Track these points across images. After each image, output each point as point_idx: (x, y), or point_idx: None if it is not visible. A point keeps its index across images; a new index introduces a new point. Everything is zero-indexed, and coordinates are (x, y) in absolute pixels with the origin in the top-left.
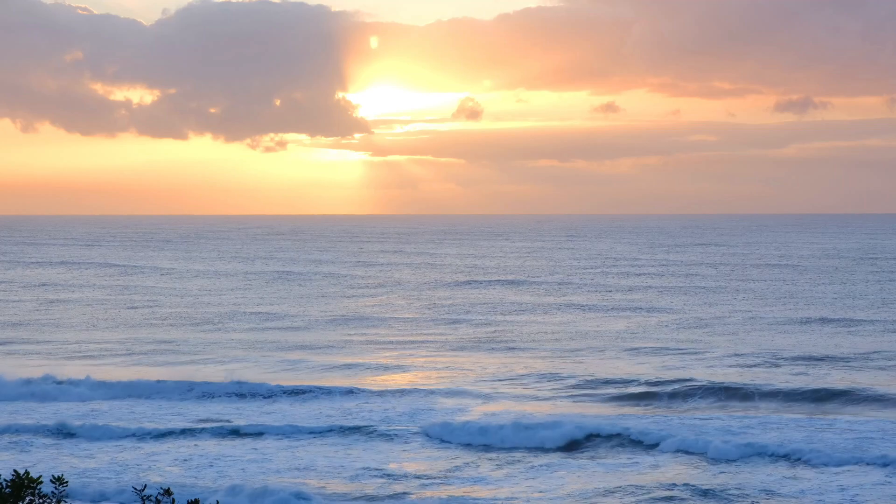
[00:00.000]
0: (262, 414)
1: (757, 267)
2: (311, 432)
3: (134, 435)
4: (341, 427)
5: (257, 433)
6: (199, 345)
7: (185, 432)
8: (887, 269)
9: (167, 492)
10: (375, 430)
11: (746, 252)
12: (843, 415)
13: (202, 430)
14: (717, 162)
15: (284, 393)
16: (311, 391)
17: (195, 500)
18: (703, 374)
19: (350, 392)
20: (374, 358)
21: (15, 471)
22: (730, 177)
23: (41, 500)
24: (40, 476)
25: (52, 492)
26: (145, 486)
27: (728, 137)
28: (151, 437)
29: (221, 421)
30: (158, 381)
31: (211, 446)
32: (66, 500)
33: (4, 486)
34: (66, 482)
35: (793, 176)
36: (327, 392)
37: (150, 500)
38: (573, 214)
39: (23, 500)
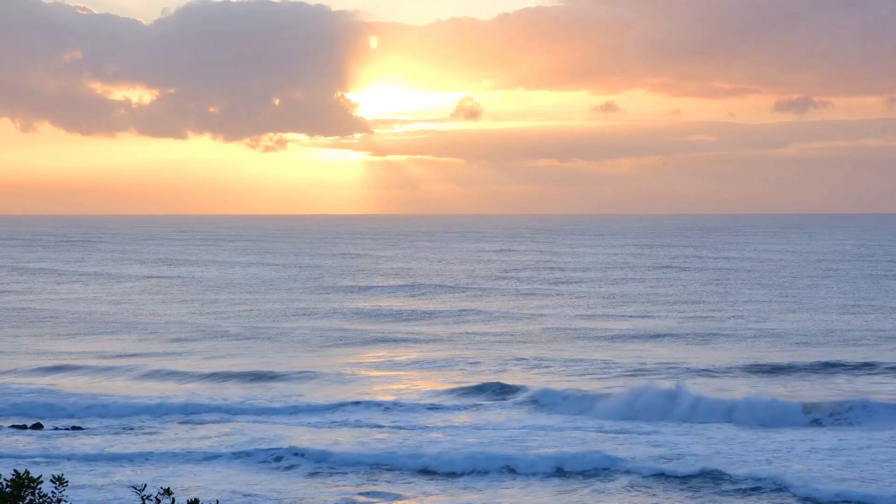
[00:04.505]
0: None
1: (684, 270)
2: (172, 454)
3: None
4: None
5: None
6: (41, 353)
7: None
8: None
9: (167, 491)
10: (249, 452)
11: (696, 254)
12: (820, 427)
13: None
14: (717, 162)
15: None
16: (177, 397)
17: (195, 499)
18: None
19: (224, 409)
20: (245, 364)
21: (15, 470)
22: (730, 177)
23: (41, 500)
24: (40, 476)
25: (52, 491)
26: (145, 485)
27: (728, 137)
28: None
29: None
30: None
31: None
32: (66, 500)
33: (5, 485)
34: (66, 482)
35: (793, 176)
36: (198, 408)
37: (150, 500)
38: (573, 214)
39: (23, 500)
